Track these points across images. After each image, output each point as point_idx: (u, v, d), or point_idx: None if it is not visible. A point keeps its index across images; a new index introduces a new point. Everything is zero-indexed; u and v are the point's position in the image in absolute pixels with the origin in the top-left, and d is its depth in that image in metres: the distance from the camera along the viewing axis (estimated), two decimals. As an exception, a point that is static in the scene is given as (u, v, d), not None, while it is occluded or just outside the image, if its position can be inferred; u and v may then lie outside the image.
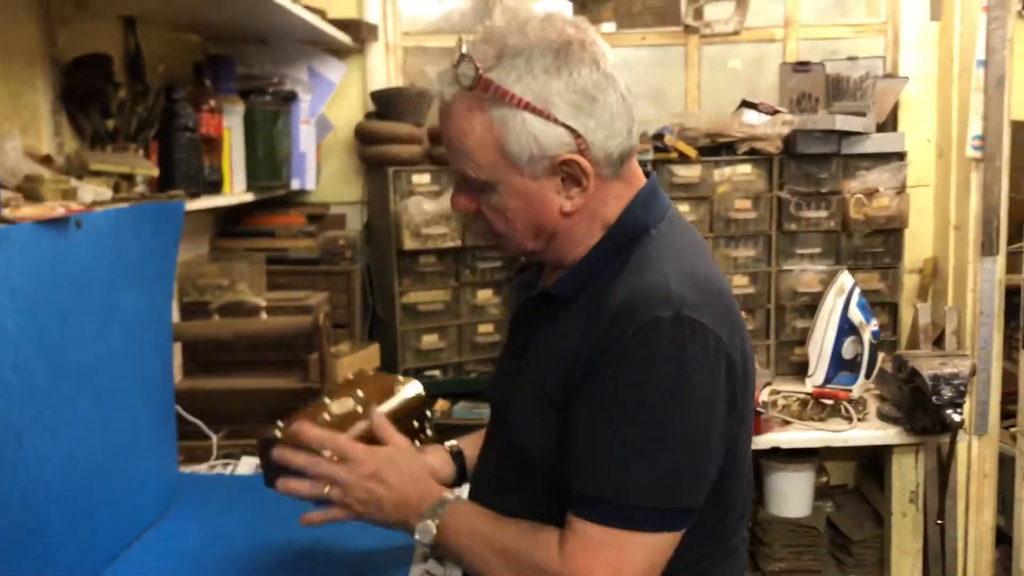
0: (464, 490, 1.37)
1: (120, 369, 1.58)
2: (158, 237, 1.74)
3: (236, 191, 2.32)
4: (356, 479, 1.21)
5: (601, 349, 1.09)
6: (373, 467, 1.22)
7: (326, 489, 1.21)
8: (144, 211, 1.66)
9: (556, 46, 1.11)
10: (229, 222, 2.78)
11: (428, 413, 1.43)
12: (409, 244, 2.66)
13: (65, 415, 1.39)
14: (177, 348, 2.43)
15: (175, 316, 2.41)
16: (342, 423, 1.28)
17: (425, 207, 2.64)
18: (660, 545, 1.09)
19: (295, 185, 2.62)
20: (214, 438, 2.05)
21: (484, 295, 2.83)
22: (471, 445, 1.44)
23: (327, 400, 1.34)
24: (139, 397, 1.66)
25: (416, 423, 1.39)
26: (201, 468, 2.05)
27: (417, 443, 1.40)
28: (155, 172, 1.91)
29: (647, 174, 1.25)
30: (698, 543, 1.14)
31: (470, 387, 2.61)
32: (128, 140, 1.89)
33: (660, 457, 1.07)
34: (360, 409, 1.32)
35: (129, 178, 1.80)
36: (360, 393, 1.36)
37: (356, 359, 2.50)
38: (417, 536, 1.19)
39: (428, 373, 2.72)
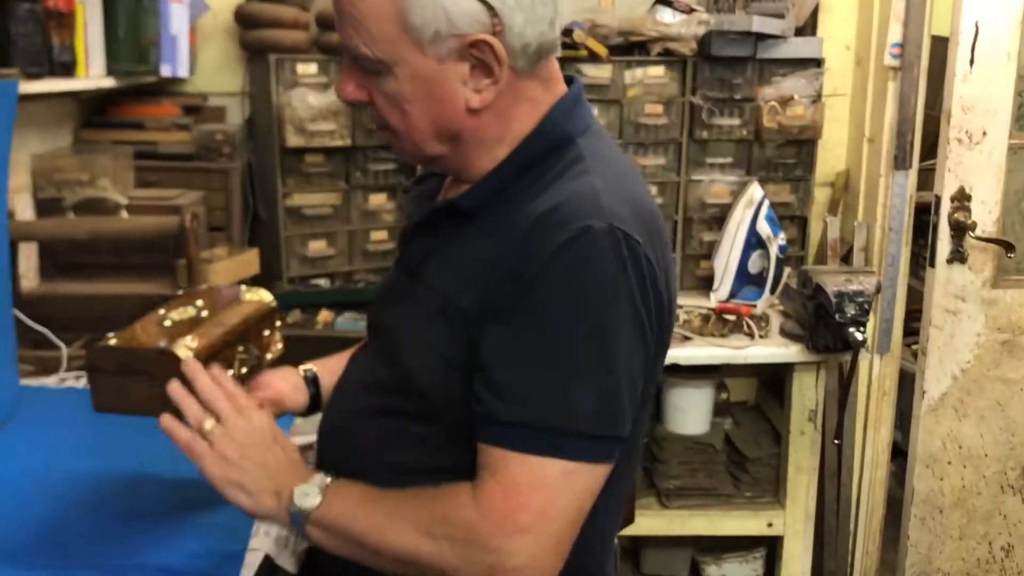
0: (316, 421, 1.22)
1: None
2: (-19, 120, 1.51)
3: (93, 75, 2.07)
4: (247, 426, 1.06)
5: (521, 263, 0.95)
6: (269, 424, 1.08)
7: (208, 424, 1.05)
8: (-43, 89, 1.43)
9: None
10: (95, 112, 2.52)
11: (277, 323, 1.27)
12: (293, 141, 2.45)
13: None
14: (32, 249, 2.20)
15: (29, 214, 2.18)
16: (183, 328, 1.12)
17: (311, 100, 2.43)
18: (592, 481, 0.97)
19: (165, 72, 2.37)
20: (64, 348, 1.86)
21: (377, 199, 2.65)
22: (329, 371, 1.29)
23: (161, 311, 1.18)
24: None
25: (266, 333, 1.23)
26: (50, 381, 1.86)
27: (269, 356, 1.24)
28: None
29: (569, 80, 1.10)
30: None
31: (358, 297, 2.45)
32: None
33: (599, 376, 0.95)
34: (203, 315, 1.16)
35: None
36: (200, 302, 1.19)
37: (233, 264, 2.31)
38: (296, 501, 1.02)
39: (314, 282, 2.55)
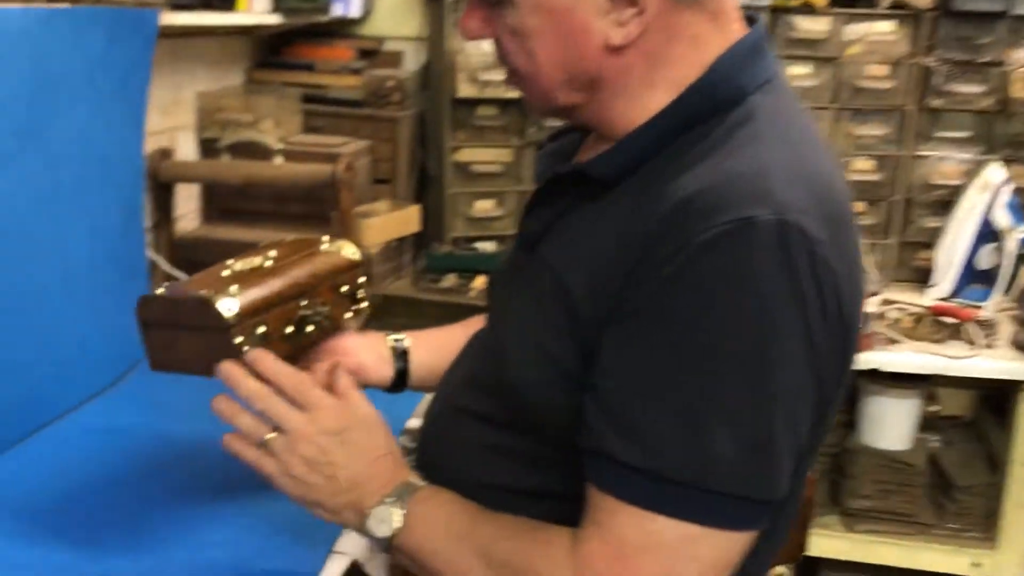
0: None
1: (46, 207, 1.29)
2: (117, 50, 1.41)
3: (256, 10, 1.96)
4: (313, 432, 0.87)
5: (656, 258, 0.72)
6: (339, 423, 0.88)
7: (268, 435, 0.87)
8: (86, 15, 1.33)
9: None
10: (269, 53, 2.44)
11: (362, 280, 1.08)
12: (465, 91, 2.27)
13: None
14: (195, 191, 2.15)
15: (191, 153, 2.13)
16: (240, 279, 0.96)
17: (486, 47, 2.23)
18: (727, 552, 0.73)
19: (336, 11, 2.24)
20: (202, 298, 1.77)
21: (552, 158, 2.43)
22: (427, 345, 1.11)
23: (230, 261, 1.02)
24: (81, 240, 1.37)
25: (344, 290, 1.06)
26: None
27: (348, 315, 1.07)
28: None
29: (750, 20, 0.85)
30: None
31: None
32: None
33: (749, 419, 0.71)
34: (269, 265, 1.00)
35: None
36: (272, 252, 1.03)
37: (391, 220, 2.18)
38: (370, 527, 0.85)
39: (478, 244, 2.38)
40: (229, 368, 0.89)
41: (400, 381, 1.11)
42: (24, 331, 1.25)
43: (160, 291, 0.96)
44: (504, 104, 2.34)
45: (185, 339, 0.94)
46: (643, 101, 0.82)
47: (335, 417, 0.88)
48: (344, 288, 1.05)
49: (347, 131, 2.29)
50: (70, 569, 0.99)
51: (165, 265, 1.75)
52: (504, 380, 0.85)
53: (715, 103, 0.80)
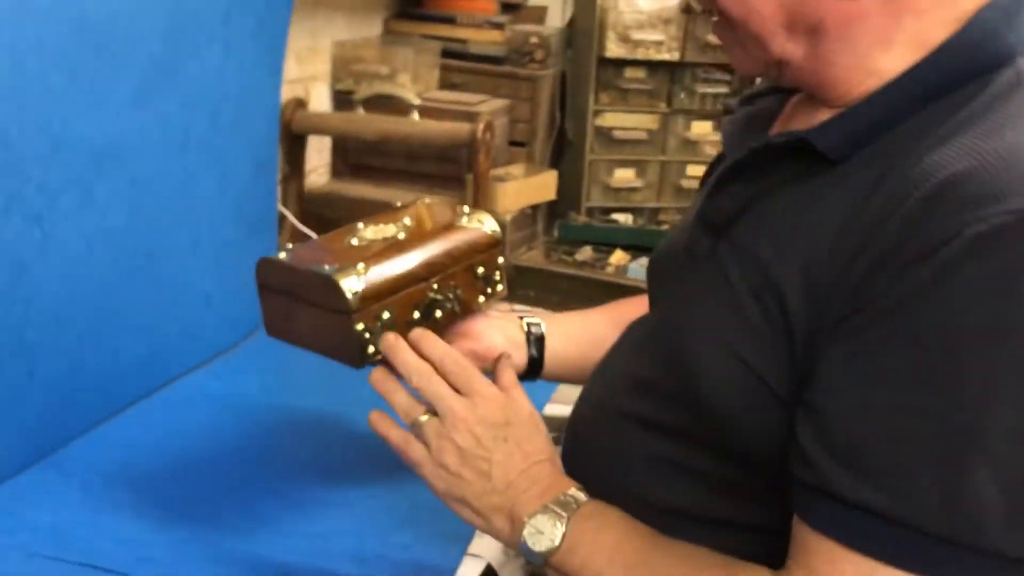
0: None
1: (177, 153, 1.20)
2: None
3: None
4: (472, 420, 0.76)
5: (902, 254, 0.58)
6: (501, 416, 0.76)
7: (423, 416, 0.77)
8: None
9: None
10: (409, 3, 2.33)
11: (500, 261, 0.95)
12: (614, 51, 2.12)
13: (79, 199, 1.04)
14: (327, 144, 2.07)
15: (324, 104, 2.04)
16: (369, 251, 0.84)
17: (640, 3, 2.07)
18: None
19: (482, -39, 2.12)
20: (329, 257, 1.69)
21: (701, 128, 2.26)
22: (565, 332, 0.98)
23: (360, 224, 0.91)
24: (210, 190, 1.29)
25: (480, 271, 0.92)
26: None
27: (481, 299, 0.94)
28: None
29: None
30: None
31: (658, 242, 2.10)
32: None
33: (1019, 458, 0.57)
34: (402, 237, 0.87)
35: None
36: (406, 220, 0.90)
37: (527, 185, 2.05)
38: (527, 538, 0.72)
39: (614, 216, 2.23)
40: (392, 340, 0.80)
41: (532, 370, 0.98)
42: (145, 284, 1.18)
43: (282, 256, 0.86)
44: (654, 67, 2.18)
45: (303, 312, 0.84)
46: (874, 59, 0.67)
47: (498, 409, 0.76)
48: (480, 270, 0.92)
49: (486, 89, 2.17)
50: (180, 547, 0.91)
51: (295, 221, 1.66)
52: (690, 390, 0.71)
53: (976, 65, 0.64)
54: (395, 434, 0.78)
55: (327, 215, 1.99)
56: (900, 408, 0.57)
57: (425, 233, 0.88)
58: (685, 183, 2.28)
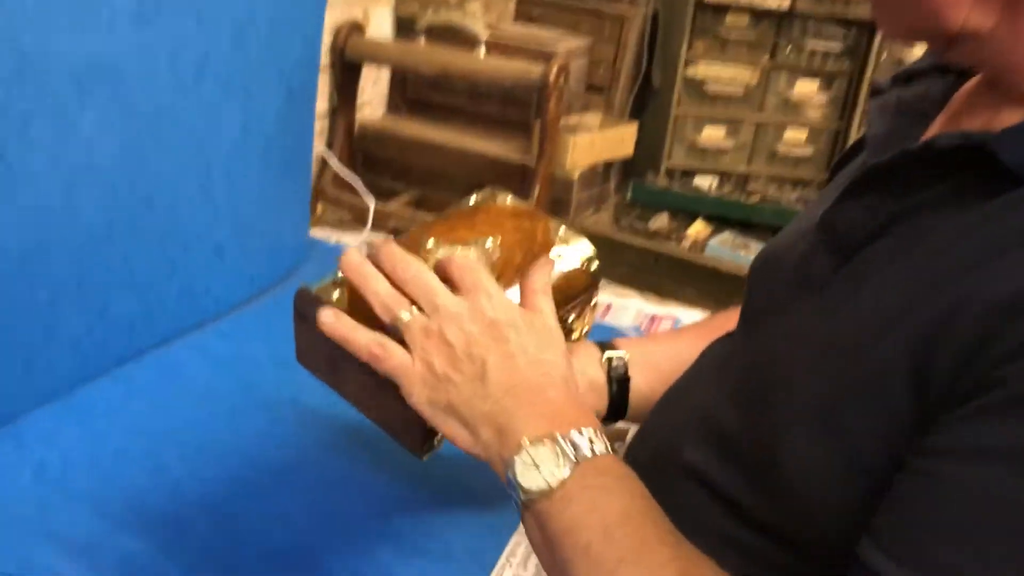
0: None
1: (190, 81, 1.02)
2: None
3: None
4: (466, 317, 0.59)
5: None
6: (504, 315, 0.59)
7: (405, 312, 0.59)
8: None
9: None
10: (490, -78, 2.10)
11: (594, 302, 0.74)
12: (715, -8, 1.88)
13: (56, 129, 0.86)
14: (384, 75, 1.87)
15: (385, 31, 1.84)
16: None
17: (750, -59, 1.81)
18: None
19: None
20: (371, 203, 1.50)
21: (805, 87, 2.01)
22: (654, 364, 0.80)
23: (429, 242, 0.67)
24: (230, 126, 1.11)
25: (572, 318, 0.72)
26: (350, 239, 1.53)
27: (572, 336, 0.74)
28: None
29: None
30: None
31: (748, 215, 1.87)
32: None
33: None
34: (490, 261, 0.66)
35: None
36: (489, 244, 0.68)
37: (602, 139, 1.83)
38: (516, 468, 0.55)
39: (698, 181, 2.00)
40: (384, 244, 0.62)
41: (614, 413, 0.79)
42: (142, 234, 1.00)
43: (335, 296, 0.64)
44: (759, 15, 1.93)
45: (355, 372, 0.63)
46: None
47: (504, 308, 0.59)
48: (570, 318, 0.71)
49: (565, 25, 1.95)
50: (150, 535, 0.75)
51: (336, 164, 1.48)
52: (765, 448, 0.54)
53: None
54: (363, 337, 0.59)
55: (377, 153, 1.81)
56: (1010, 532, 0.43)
57: (512, 274, 0.66)
58: (782, 148, 2.03)
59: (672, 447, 0.65)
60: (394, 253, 0.61)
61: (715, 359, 0.72)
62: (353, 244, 1.52)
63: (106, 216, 0.95)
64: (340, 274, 0.63)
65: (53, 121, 0.86)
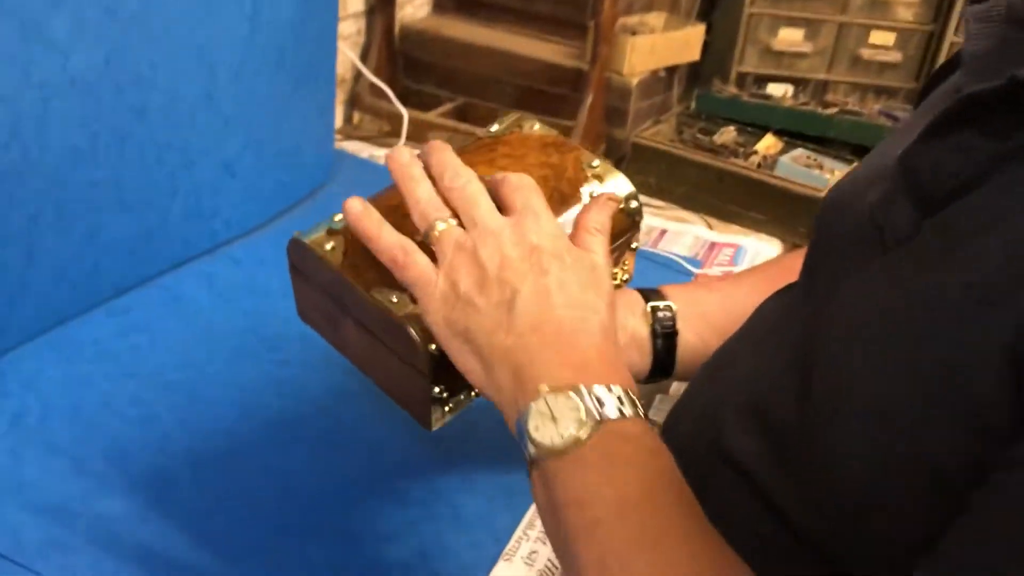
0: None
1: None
2: None
3: None
4: (506, 237, 0.52)
5: None
6: (553, 244, 0.52)
7: (442, 221, 0.53)
8: None
9: None
10: None
11: (635, 246, 0.65)
12: None
13: (22, 39, 0.75)
14: (429, -30, 1.72)
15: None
16: None
17: None
18: None
19: None
20: (405, 115, 1.38)
21: (897, -16, 1.80)
22: (707, 319, 0.71)
23: None
24: (237, 32, 0.99)
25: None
26: (384, 154, 1.41)
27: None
28: None
29: None
30: None
31: (825, 130, 1.69)
32: None
33: None
34: None
35: None
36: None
37: (665, 41, 1.67)
38: (530, 416, 0.47)
39: (771, 88, 1.83)
40: (440, 148, 0.57)
41: (659, 370, 0.70)
42: (141, 149, 0.90)
43: (328, 247, 0.57)
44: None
45: (356, 333, 0.58)
46: None
47: (549, 237, 0.52)
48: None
49: (628, -87, 1.76)
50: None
51: (370, 76, 1.35)
52: (818, 446, 0.45)
53: None
54: (389, 238, 0.54)
55: (419, 57, 1.67)
56: None
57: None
58: (866, 53, 1.84)
59: (713, 424, 0.55)
60: (446, 160, 0.55)
61: (770, 319, 0.62)
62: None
63: (88, 130, 0.84)
64: (337, 219, 0.57)
65: (18, 27, 0.75)
